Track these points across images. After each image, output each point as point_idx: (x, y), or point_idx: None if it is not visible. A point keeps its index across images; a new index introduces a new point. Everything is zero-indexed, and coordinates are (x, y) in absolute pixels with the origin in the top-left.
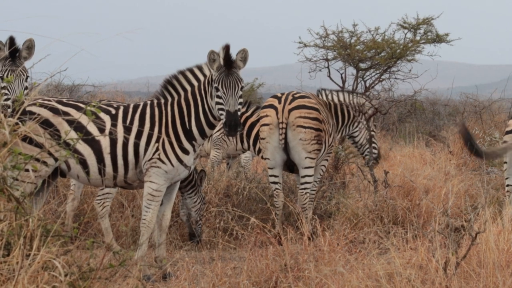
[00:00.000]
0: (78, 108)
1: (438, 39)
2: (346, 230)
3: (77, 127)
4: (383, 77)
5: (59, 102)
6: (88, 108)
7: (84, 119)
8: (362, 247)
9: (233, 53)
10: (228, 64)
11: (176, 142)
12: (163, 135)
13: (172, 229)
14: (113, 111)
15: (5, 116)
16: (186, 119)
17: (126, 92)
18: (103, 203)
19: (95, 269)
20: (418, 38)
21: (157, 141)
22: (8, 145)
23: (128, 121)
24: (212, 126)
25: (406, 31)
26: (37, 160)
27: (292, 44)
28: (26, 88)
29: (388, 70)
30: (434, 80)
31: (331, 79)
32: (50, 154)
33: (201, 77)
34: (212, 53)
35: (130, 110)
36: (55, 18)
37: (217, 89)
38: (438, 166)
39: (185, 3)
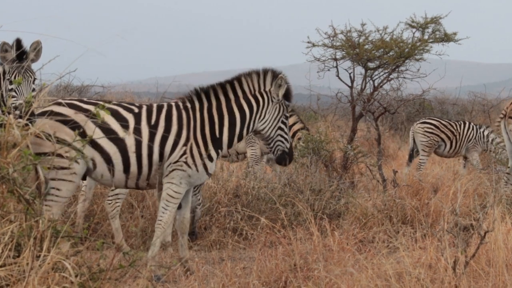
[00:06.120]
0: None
1: (446, 38)
2: (355, 229)
3: (102, 126)
4: (391, 76)
5: (81, 101)
6: (97, 109)
7: (109, 119)
8: (371, 247)
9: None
10: None
11: (204, 148)
12: (191, 140)
13: None
14: (136, 110)
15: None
16: (217, 126)
17: (135, 92)
18: (114, 203)
19: (105, 270)
20: (426, 37)
21: (185, 144)
22: (18, 146)
23: (153, 121)
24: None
25: (414, 30)
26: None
27: (300, 44)
28: (33, 90)
29: (397, 70)
30: (443, 79)
31: (339, 78)
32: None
33: (239, 91)
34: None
35: (154, 110)
36: (62, 19)
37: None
38: (446, 165)
39: (194, 7)
